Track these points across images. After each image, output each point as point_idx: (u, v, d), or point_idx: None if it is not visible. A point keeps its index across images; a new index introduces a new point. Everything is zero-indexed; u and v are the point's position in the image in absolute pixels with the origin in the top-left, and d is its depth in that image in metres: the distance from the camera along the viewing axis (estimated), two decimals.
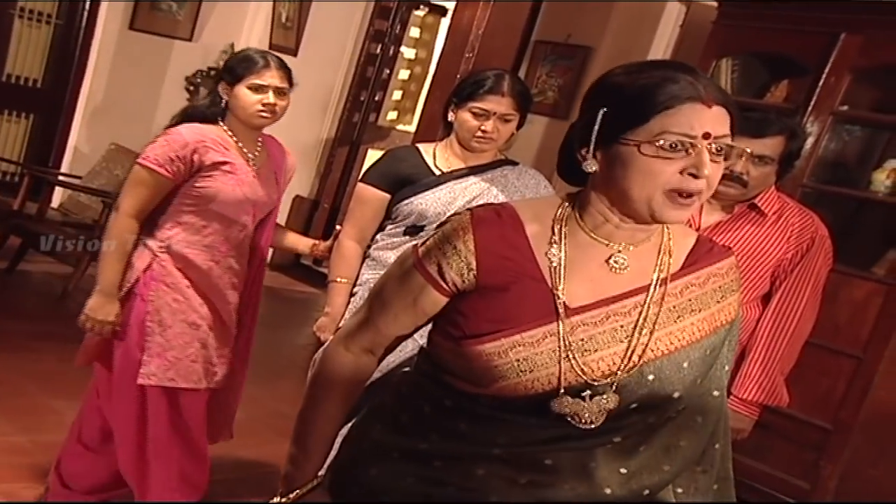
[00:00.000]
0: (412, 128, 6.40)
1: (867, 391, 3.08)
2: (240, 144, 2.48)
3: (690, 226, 2.51)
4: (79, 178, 5.52)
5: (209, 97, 2.53)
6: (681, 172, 1.20)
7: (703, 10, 4.18)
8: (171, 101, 6.19)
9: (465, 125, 2.48)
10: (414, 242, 2.21)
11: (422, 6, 6.19)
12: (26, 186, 5.02)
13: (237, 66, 2.44)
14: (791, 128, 2.47)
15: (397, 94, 6.56)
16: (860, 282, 3.14)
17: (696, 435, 1.32)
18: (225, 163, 2.40)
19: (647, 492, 1.28)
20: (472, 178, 2.52)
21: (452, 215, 1.34)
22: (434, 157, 2.56)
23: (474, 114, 2.46)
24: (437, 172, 2.52)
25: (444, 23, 6.07)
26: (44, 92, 6.12)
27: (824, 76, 3.50)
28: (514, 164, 2.61)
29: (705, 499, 1.35)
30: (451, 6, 5.37)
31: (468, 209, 1.32)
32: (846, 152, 3.58)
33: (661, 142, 1.19)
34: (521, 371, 1.22)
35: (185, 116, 2.51)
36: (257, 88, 2.42)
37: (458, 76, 2.87)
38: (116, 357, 2.42)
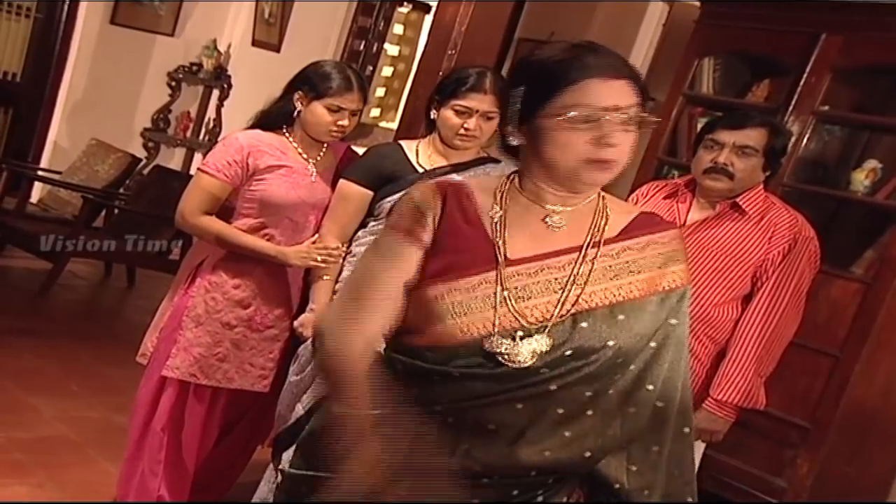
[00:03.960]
0: (395, 125, 6.38)
1: (844, 389, 3.09)
2: (299, 150, 2.53)
3: (675, 222, 2.51)
4: (59, 173, 5.47)
5: (280, 102, 2.54)
6: (595, 143, 1.31)
7: (685, 9, 4.19)
8: (152, 97, 6.16)
9: (448, 123, 2.47)
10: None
11: (405, 3, 6.17)
12: (5, 181, 4.97)
13: (320, 83, 2.46)
14: (772, 123, 2.50)
15: (380, 91, 6.54)
16: (839, 281, 3.15)
17: (646, 403, 1.37)
18: (280, 166, 2.46)
19: (588, 454, 1.34)
20: (455, 176, 2.51)
21: (417, 184, 1.47)
22: (417, 154, 2.55)
23: (457, 111, 2.46)
24: (420, 170, 2.51)
25: (428, 20, 6.06)
26: (23, 86, 6.05)
27: (805, 76, 3.51)
28: (497, 161, 2.59)
29: (659, 480, 1.38)
30: (434, 3, 5.36)
31: (432, 181, 1.46)
32: (826, 152, 3.59)
33: (572, 114, 1.30)
34: (456, 314, 1.33)
35: (256, 121, 2.55)
36: (336, 110, 2.46)
37: (441, 73, 2.86)
38: (156, 344, 2.53)
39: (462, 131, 2.47)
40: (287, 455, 2.23)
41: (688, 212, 2.53)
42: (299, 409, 2.43)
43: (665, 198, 2.59)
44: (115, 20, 5.93)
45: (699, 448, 2.48)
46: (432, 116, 2.53)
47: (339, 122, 2.48)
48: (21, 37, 6.03)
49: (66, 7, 5.94)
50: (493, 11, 3.19)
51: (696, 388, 2.42)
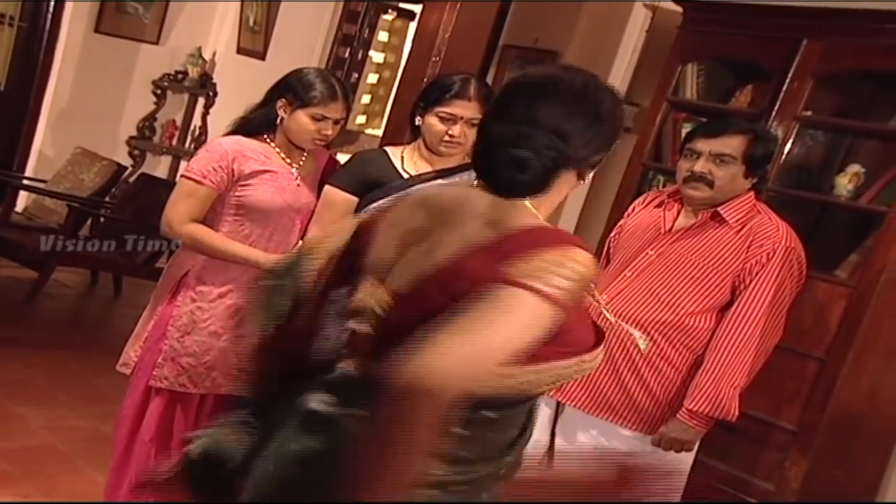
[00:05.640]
0: (381, 131, 6.37)
1: (831, 393, 3.09)
2: (282, 155, 2.50)
3: (660, 229, 2.49)
4: (44, 181, 5.42)
5: (262, 109, 2.51)
6: None
7: (668, 15, 4.19)
8: (137, 105, 6.11)
9: (433, 129, 2.47)
10: None
11: (390, 10, 6.15)
12: None
13: (304, 92, 2.43)
14: (754, 130, 2.47)
15: (366, 99, 6.52)
16: (824, 285, 3.15)
17: None
18: (265, 171, 2.44)
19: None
20: (440, 182, 2.49)
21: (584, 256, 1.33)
22: (402, 161, 2.55)
23: (441, 118, 2.45)
24: (405, 175, 2.51)
25: (413, 27, 6.05)
26: (7, 95, 5.97)
27: (787, 81, 3.52)
28: None
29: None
30: (418, 10, 5.36)
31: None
32: (809, 157, 3.60)
33: None
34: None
35: (237, 128, 2.52)
36: (320, 119, 2.45)
37: (425, 80, 2.86)
38: (140, 353, 2.49)
39: (447, 138, 2.46)
40: None
41: (674, 220, 2.52)
42: None
43: (656, 206, 2.60)
44: (99, 29, 5.87)
45: (690, 454, 2.47)
46: (417, 123, 2.52)
47: (323, 131, 2.47)
48: (4, 46, 5.95)
49: (50, 15, 5.85)
50: (477, 18, 3.20)
51: (672, 397, 2.41)
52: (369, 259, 1.42)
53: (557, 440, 2.54)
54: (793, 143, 3.52)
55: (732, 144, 2.41)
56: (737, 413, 2.37)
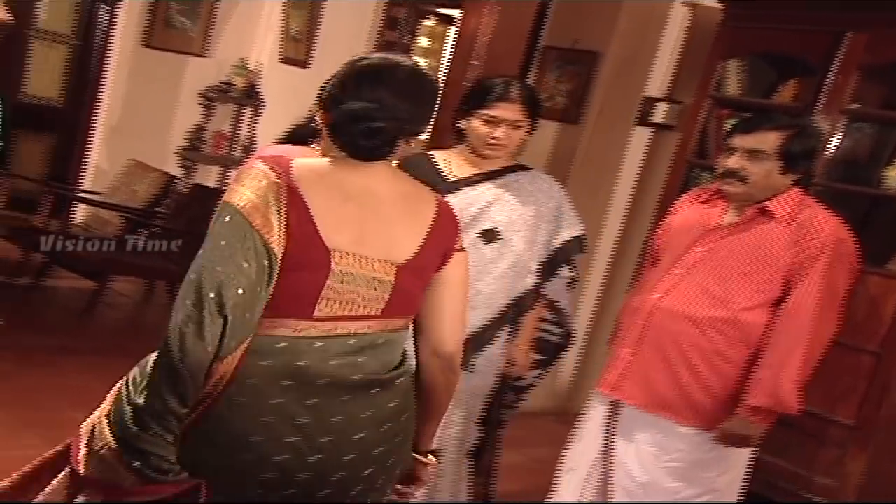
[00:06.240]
0: (425, 135, 6.40)
1: (888, 387, 3.04)
2: None
3: (707, 226, 2.48)
4: (99, 193, 5.55)
5: (311, 119, 2.58)
6: None
7: (708, 12, 4.19)
8: (186, 116, 6.24)
9: (476, 132, 2.50)
10: None
11: (430, 16, 6.20)
12: (49, 204, 5.06)
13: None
14: (792, 125, 2.46)
15: None
16: (876, 278, 3.10)
17: None
18: None
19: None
20: (486, 185, 2.55)
21: None
22: (447, 164, 2.58)
23: (485, 121, 2.49)
24: (452, 179, 2.55)
25: (453, 31, 6.09)
26: (63, 111, 6.18)
27: (832, 75, 3.48)
28: (527, 168, 2.64)
29: None
30: (458, 15, 5.40)
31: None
32: (857, 150, 3.55)
33: None
34: None
35: (287, 137, 2.58)
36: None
37: (466, 83, 2.90)
38: None
39: (490, 140, 2.52)
40: None
41: (721, 216, 2.51)
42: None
43: (701, 203, 2.60)
44: (148, 43, 6.02)
45: (748, 451, 2.45)
46: (460, 126, 2.56)
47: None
48: (60, 63, 6.17)
49: (101, 33, 6.06)
50: (516, 21, 3.23)
51: (730, 393, 2.39)
52: None
53: (617, 439, 2.56)
54: (840, 137, 3.48)
55: (766, 140, 2.39)
56: (797, 407, 2.36)
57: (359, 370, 1.53)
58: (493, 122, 2.49)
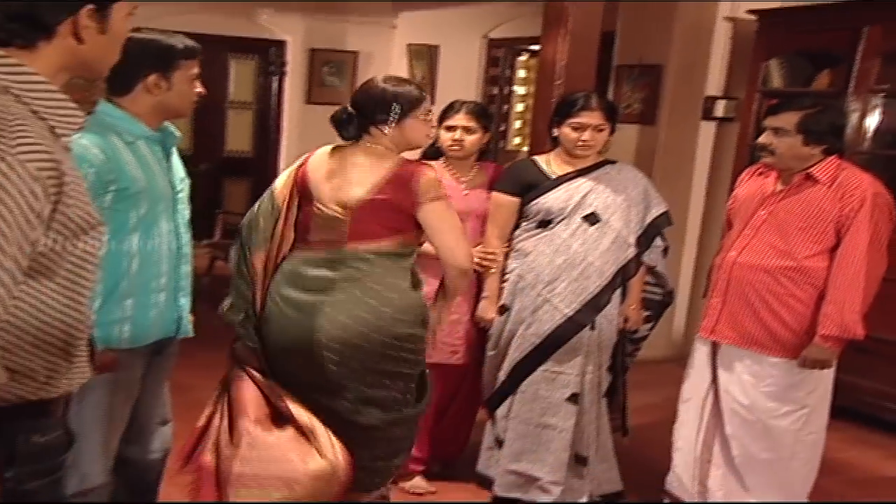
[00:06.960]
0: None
1: None
2: (453, 171, 2.73)
3: (766, 193, 2.54)
4: None
5: (435, 143, 2.74)
6: None
7: (746, 24, 4.24)
8: None
9: (568, 137, 2.59)
10: (542, 233, 2.61)
11: (523, 52, 6.40)
12: None
13: (441, 114, 2.72)
14: (812, 105, 2.44)
15: (518, 124, 6.75)
16: None
17: None
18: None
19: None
20: (582, 179, 2.62)
21: None
22: (548, 165, 2.67)
23: (573, 128, 2.57)
24: (553, 177, 2.63)
25: None
26: (254, 160, 6.82)
27: (856, 63, 3.57)
28: (614, 162, 2.70)
29: None
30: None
31: None
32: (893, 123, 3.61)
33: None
34: None
35: (423, 155, 2.73)
36: (448, 128, 2.69)
37: (553, 101, 3.05)
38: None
39: (580, 143, 2.58)
40: (501, 411, 2.71)
41: (774, 184, 2.54)
42: (500, 377, 2.68)
43: (758, 175, 2.62)
44: (309, 100, 6.52)
45: (829, 372, 2.50)
46: (554, 134, 2.64)
47: (455, 139, 2.67)
48: (248, 124, 6.82)
49: (274, 97, 6.67)
50: (585, 45, 3.16)
51: (806, 326, 2.45)
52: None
53: (719, 371, 2.61)
54: (882, 113, 3.55)
55: (787, 119, 2.42)
56: (862, 333, 2.39)
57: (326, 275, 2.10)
58: (579, 128, 2.54)
